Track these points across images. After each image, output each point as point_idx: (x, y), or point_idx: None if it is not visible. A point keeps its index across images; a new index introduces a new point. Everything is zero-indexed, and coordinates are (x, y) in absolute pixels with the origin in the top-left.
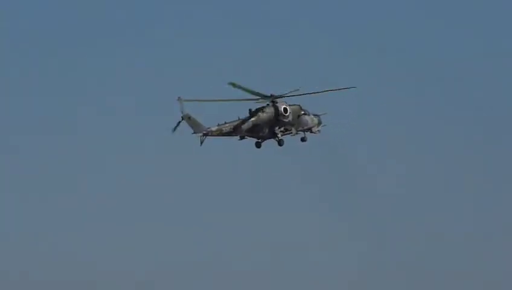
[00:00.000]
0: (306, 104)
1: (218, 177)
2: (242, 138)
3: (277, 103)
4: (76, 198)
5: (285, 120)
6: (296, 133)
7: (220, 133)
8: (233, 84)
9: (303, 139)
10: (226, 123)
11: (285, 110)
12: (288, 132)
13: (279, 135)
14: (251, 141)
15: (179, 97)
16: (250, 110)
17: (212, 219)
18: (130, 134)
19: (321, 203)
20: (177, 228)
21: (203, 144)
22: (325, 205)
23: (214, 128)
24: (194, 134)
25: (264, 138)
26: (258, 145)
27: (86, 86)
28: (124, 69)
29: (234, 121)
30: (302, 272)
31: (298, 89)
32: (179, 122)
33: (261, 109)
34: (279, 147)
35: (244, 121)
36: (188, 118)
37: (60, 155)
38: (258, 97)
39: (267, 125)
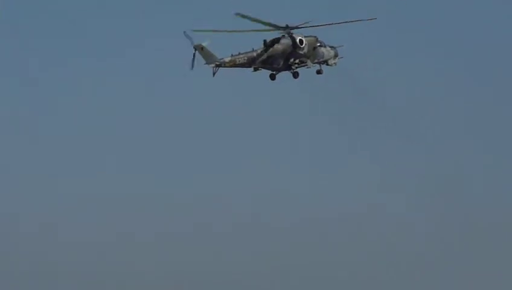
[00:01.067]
0: (323, 36)
1: (231, 110)
2: (256, 69)
3: (293, 34)
4: None
5: (300, 52)
6: (312, 66)
7: (234, 65)
8: (242, 16)
9: (319, 72)
10: (240, 54)
11: (301, 41)
12: (303, 64)
13: (294, 67)
14: (265, 72)
15: (184, 32)
16: (265, 41)
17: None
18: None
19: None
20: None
21: (215, 75)
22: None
23: (227, 59)
24: (207, 64)
25: (278, 70)
26: (272, 77)
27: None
28: None
29: (248, 52)
30: None
31: (310, 21)
32: (194, 54)
33: (276, 40)
34: (294, 79)
35: (258, 52)
36: (200, 49)
37: None
38: (272, 28)
39: (282, 57)
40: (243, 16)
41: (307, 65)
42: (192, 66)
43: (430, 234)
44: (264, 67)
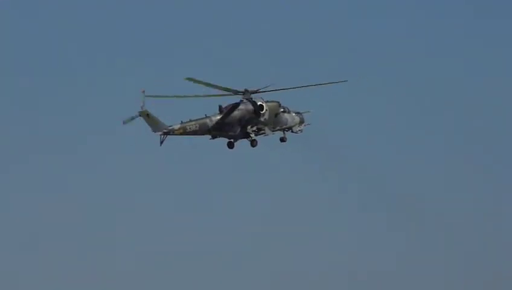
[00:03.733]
0: (287, 100)
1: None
2: (214, 137)
3: (252, 98)
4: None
5: (260, 118)
6: (271, 133)
7: (184, 132)
8: (192, 80)
9: (282, 139)
10: (190, 121)
11: (261, 107)
12: (262, 132)
13: (252, 135)
14: (223, 140)
15: (143, 90)
16: (220, 106)
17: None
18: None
19: None
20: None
21: (163, 144)
22: None
23: (176, 127)
24: (154, 133)
25: (235, 138)
26: (230, 145)
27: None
28: None
29: (200, 119)
30: None
31: (271, 84)
32: (134, 117)
33: (235, 105)
34: (251, 147)
35: (211, 118)
36: (146, 115)
37: None
38: (229, 92)
39: (239, 124)
40: (195, 81)
41: (265, 133)
42: (126, 122)
43: None
44: (218, 135)
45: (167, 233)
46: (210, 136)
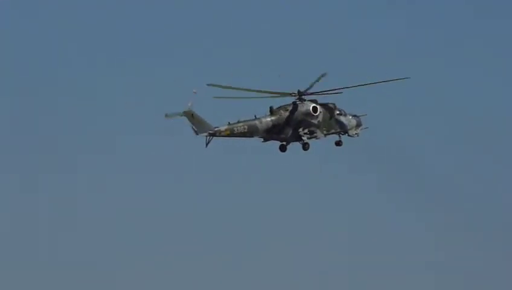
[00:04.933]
0: (344, 103)
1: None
2: (266, 140)
3: (305, 100)
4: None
5: (312, 121)
6: (324, 137)
7: (231, 134)
8: (245, 89)
9: (338, 143)
10: (239, 122)
11: (315, 109)
12: (314, 135)
13: (304, 138)
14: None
15: (195, 91)
16: (271, 107)
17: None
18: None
19: None
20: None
21: (208, 145)
22: None
23: (223, 128)
24: (198, 134)
25: (286, 141)
26: (282, 148)
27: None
28: None
29: (249, 120)
30: None
31: (324, 74)
32: (178, 114)
33: (284, 107)
34: (304, 151)
35: (261, 120)
36: (190, 116)
37: None
38: (280, 95)
39: (290, 126)
40: (246, 90)
41: (317, 136)
42: (196, 132)
43: None
44: (268, 138)
45: (209, 238)
46: (262, 139)
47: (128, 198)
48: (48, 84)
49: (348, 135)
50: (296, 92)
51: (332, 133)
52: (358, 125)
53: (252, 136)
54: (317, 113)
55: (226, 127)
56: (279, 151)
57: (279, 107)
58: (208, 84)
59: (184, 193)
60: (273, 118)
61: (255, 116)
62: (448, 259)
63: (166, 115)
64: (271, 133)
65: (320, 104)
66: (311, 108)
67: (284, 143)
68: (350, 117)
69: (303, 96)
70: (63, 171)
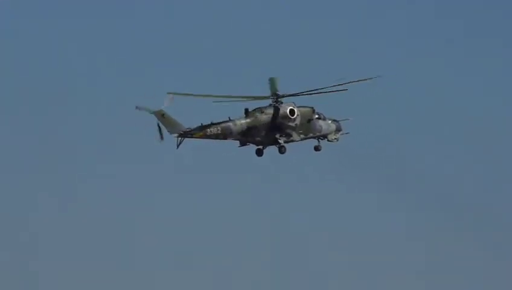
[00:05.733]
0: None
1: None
2: (242, 144)
3: (282, 102)
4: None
5: (289, 123)
6: (300, 140)
7: (204, 135)
8: (213, 96)
9: (316, 148)
10: (212, 124)
11: (292, 112)
12: (290, 138)
13: (281, 141)
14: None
15: (172, 96)
16: (246, 109)
17: None
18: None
19: None
20: None
21: (179, 147)
22: None
23: (195, 129)
24: (170, 134)
25: (262, 144)
26: (259, 152)
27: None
28: None
29: (223, 122)
30: None
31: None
32: (158, 124)
33: (260, 109)
34: (280, 154)
35: (236, 122)
36: (161, 115)
37: None
38: (256, 98)
39: (266, 129)
40: (215, 96)
41: (293, 139)
42: (162, 137)
43: None
44: (242, 141)
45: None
46: (238, 143)
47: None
48: (47, 84)
49: (328, 140)
50: (272, 94)
51: (311, 138)
52: (338, 130)
53: (226, 139)
54: (294, 116)
55: (198, 127)
56: (255, 155)
57: (255, 109)
58: (168, 93)
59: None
60: (248, 120)
61: (229, 118)
62: (433, 260)
63: (136, 107)
64: (246, 136)
65: (298, 107)
66: (288, 111)
67: (261, 147)
68: (329, 121)
69: (279, 99)
70: (63, 171)
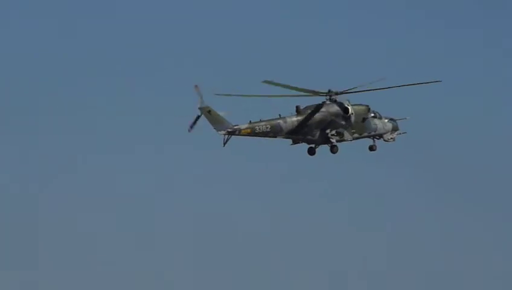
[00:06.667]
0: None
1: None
2: (295, 142)
3: (336, 100)
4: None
5: (343, 122)
6: (352, 139)
7: (252, 133)
8: (269, 82)
9: (371, 148)
10: (261, 121)
11: (346, 110)
12: (342, 137)
13: (332, 140)
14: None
15: (195, 85)
16: (297, 107)
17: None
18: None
19: None
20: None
21: (226, 144)
22: None
23: (243, 126)
24: (216, 132)
25: (314, 143)
26: (311, 151)
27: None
28: None
29: (273, 119)
30: None
31: (359, 86)
32: (197, 117)
33: (312, 106)
34: (331, 154)
35: (286, 119)
36: (207, 112)
37: None
38: (310, 93)
39: (318, 127)
40: (272, 83)
41: (345, 138)
42: (192, 128)
43: None
44: (294, 139)
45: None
46: (290, 141)
47: (142, 199)
48: (47, 85)
49: (383, 140)
50: (327, 91)
51: (365, 137)
52: (395, 129)
53: (275, 137)
54: (348, 114)
55: (246, 125)
56: (307, 154)
57: (306, 107)
58: (263, 82)
59: (199, 195)
60: (299, 117)
61: (279, 115)
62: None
63: (189, 129)
64: (296, 133)
65: (352, 105)
66: (342, 108)
67: (313, 146)
68: (386, 120)
69: (333, 97)
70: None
